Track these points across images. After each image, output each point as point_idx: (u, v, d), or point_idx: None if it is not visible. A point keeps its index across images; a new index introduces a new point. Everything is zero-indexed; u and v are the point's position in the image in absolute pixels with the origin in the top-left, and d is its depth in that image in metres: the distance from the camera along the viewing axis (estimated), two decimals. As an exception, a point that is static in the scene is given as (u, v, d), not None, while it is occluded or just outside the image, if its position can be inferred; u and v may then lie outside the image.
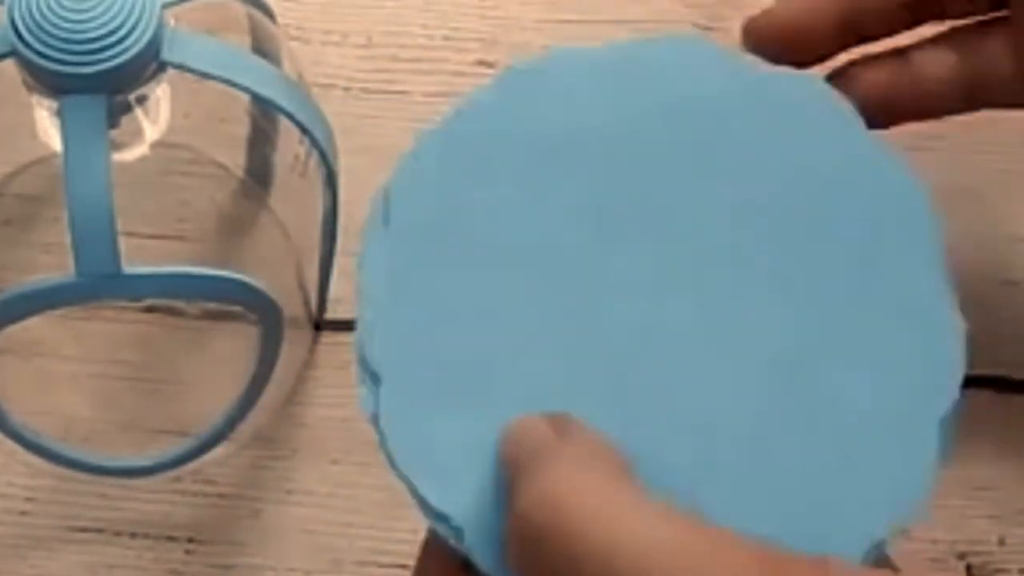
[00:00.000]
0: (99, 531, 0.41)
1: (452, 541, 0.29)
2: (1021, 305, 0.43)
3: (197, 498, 0.41)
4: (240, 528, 0.41)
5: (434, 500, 0.29)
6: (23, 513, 0.41)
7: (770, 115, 0.31)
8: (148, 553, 0.41)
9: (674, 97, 0.31)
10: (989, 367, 0.42)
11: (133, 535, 0.41)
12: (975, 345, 0.43)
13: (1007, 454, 0.41)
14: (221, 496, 0.41)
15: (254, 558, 0.40)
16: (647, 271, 0.30)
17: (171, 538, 0.41)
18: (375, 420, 0.29)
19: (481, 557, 0.28)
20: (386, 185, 0.31)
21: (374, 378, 0.30)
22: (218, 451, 0.41)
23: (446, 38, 0.47)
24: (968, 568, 0.40)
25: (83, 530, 0.41)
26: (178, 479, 0.41)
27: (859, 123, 0.32)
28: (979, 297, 0.43)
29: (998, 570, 0.40)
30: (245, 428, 0.40)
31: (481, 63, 0.46)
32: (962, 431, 0.41)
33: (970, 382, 0.42)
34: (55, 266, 0.44)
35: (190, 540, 0.41)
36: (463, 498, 0.29)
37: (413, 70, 0.46)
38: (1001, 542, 0.40)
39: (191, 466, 0.41)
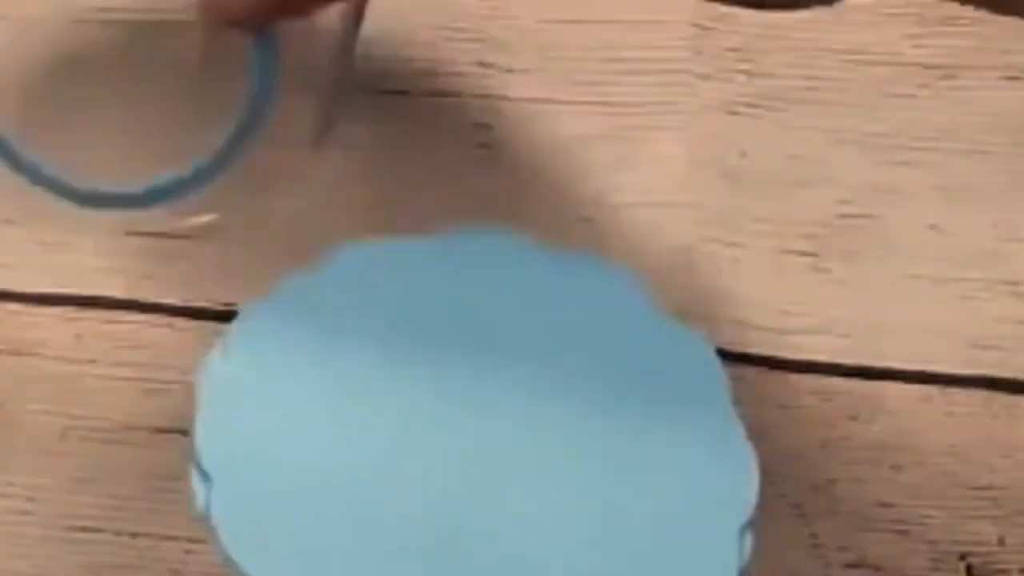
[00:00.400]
0: (99, 531, 0.41)
1: None
2: (1021, 306, 0.43)
3: (197, 498, 0.41)
4: (240, 528, 0.41)
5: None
6: (23, 513, 0.41)
7: (574, 299, 0.35)
8: (148, 553, 0.41)
9: (481, 285, 0.35)
10: (990, 367, 0.42)
11: (133, 535, 0.41)
12: (975, 347, 0.43)
13: (1007, 454, 0.41)
14: (221, 496, 0.41)
15: (254, 558, 0.40)
16: (467, 425, 0.33)
17: (171, 538, 0.41)
18: (207, 516, 0.32)
19: None
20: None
21: (206, 476, 0.33)
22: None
23: (447, 39, 0.47)
24: (968, 568, 0.40)
25: (83, 530, 0.41)
26: (178, 479, 0.41)
27: (647, 296, 0.35)
28: (979, 298, 0.43)
29: (998, 570, 0.40)
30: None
31: (481, 63, 0.46)
32: (963, 432, 0.42)
33: (971, 383, 0.42)
34: (55, 265, 0.44)
35: (190, 540, 0.41)
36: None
37: (413, 70, 0.46)
38: (1001, 542, 0.41)
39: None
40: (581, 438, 0.33)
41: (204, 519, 0.32)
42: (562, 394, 0.33)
